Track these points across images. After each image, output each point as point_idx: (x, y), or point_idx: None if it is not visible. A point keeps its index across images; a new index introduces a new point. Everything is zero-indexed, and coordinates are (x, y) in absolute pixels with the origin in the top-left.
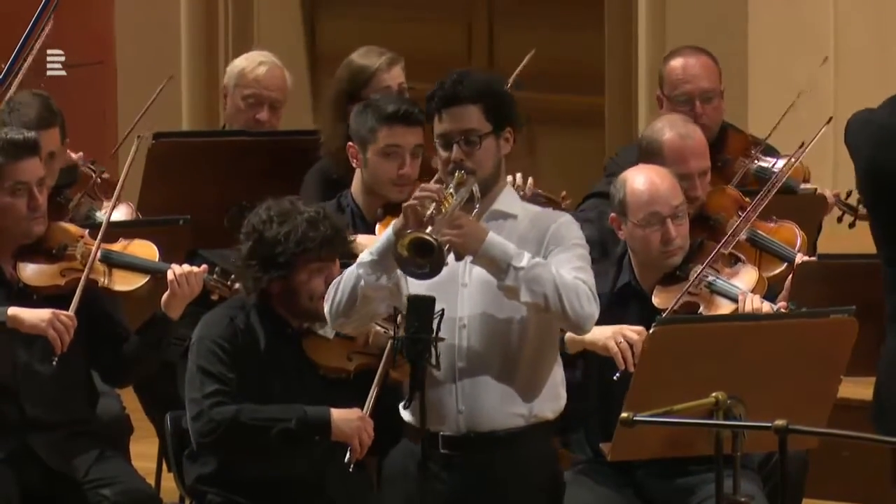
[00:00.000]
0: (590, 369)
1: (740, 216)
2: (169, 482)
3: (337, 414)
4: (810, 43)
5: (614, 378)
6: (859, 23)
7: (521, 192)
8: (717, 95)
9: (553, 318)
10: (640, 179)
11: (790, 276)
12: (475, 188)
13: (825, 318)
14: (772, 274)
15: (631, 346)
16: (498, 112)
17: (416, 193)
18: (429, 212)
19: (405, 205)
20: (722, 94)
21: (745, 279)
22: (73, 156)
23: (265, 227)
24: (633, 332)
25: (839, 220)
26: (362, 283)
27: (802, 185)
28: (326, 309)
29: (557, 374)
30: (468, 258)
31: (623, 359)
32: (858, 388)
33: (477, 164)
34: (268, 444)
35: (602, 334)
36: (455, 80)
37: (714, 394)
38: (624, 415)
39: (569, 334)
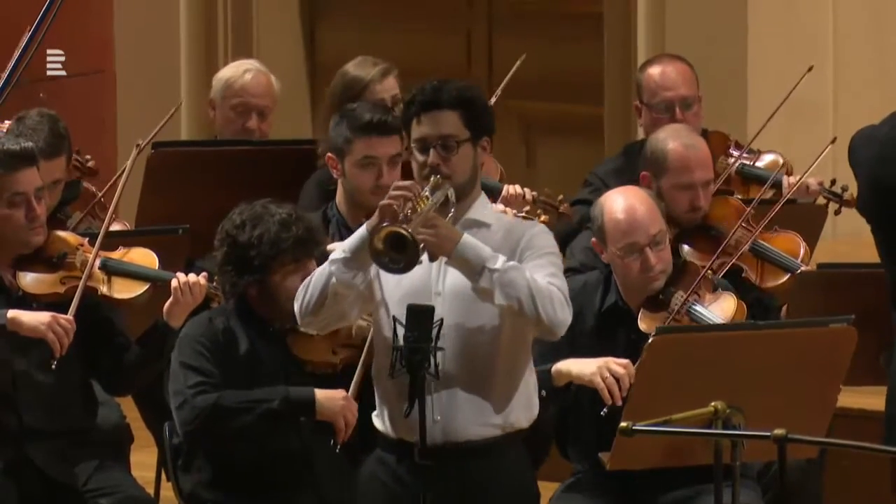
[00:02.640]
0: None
1: (742, 226)
2: (168, 491)
3: (321, 393)
4: (809, 52)
5: (602, 413)
6: (858, 31)
7: (524, 200)
8: (696, 102)
9: (526, 322)
10: (617, 207)
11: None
12: (451, 193)
13: (824, 328)
14: (774, 284)
15: (617, 380)
16: (476, 120)
17: (391, 192)
18: (404, 210)
19: (381, 203)
20: (700, 101)
21: (723, 307)
22: (91, 188)
23: (238, 232)
24: (619, 365)
25: (825, 208)
26: (334, 279)
27: (785, 178)
28: (296, 307)
29: (530, 383)
30: (443, 264)
31: (610, 394)
32: (858, 398)
33: (453, 169)
34: (252, 425)
35: (587, 369)
36: (435, 86)
37: (713, 403)
38: (623, 424)
39: (555, 367)
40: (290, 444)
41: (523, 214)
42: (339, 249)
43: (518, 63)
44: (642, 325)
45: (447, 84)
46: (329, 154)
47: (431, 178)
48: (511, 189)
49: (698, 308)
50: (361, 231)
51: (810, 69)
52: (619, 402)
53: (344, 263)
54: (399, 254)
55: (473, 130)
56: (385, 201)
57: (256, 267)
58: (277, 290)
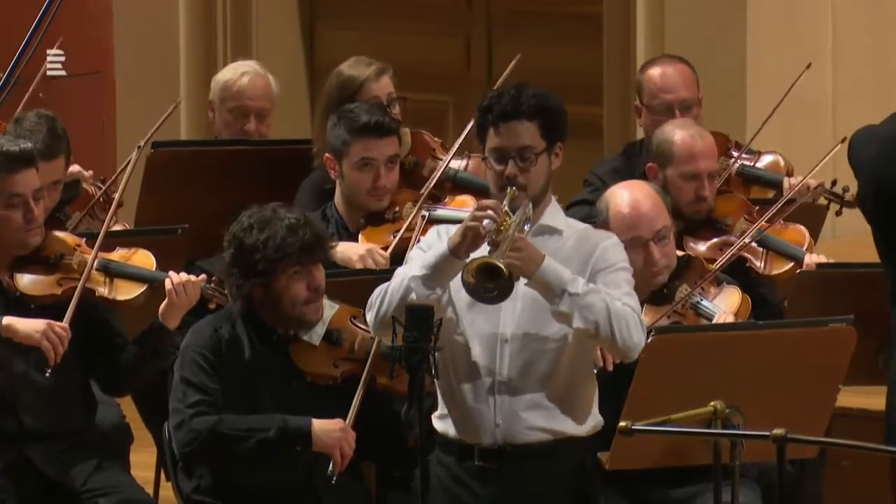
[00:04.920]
0: None
1: (746, 220)
2: (167, 491)
3: (318, 424)
4: (809, 53)
5: (593, 372)
6: (858, 34)
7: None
8: (695, 104)
9: (601, 344)
10: (623, 201)
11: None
12: (529, 209)
13: (823, 327)
14: (780, 272)
15: None
16: (553, 129)
17: (476, 213)
18: (488, 231)
19: (465, 224)
20: (700, 102)
21: (728, 301)
22: (85, 173)
23: (245, 235)
24: None
25: (826, 207)
26: (413, 296)
27: (786, 179)
28: (370, 317)
29: (592, 393)
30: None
31: (603, 357)
32: (857, 398)
33: (530, 180)
34: (248, 453)
35: None
36: (514, 96)
37: (712, 403)
38: (622, 424)
39: None
40: (288, 477)
41: None
42: (417, 266)
43: (514, 62)
44: (645, 319)
45: (524, 92)
46: (327, 155)
47: (509, 190)
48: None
49: (702, 301)
50: (442, 249)
51: (809, 66)
52: (610, 367)
53: (423, 281)
54: (493, 283)
55: (549, 139)
56: (469, 223)
57: (261, 271)
58: (281, 294)
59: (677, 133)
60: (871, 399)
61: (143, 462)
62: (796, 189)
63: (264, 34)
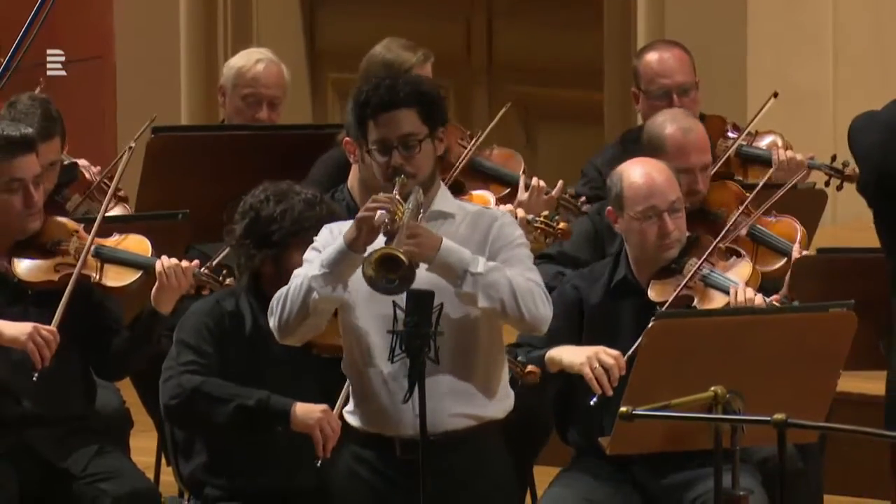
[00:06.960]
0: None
1: (741, 211)
2: (168, 476)
3: (300, 406)
4: (810, 44)
5: (591, 403)
6: (859, 25)
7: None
8: (693, 88)
9: (509, 321)
10: (637, 173)
11: (789, 271)
12: (420, 195)
13: (824, 313)
14: (770, 269)
15: (607, 370)
16: (432, 114)
17: (368, 204)
18: (381, 222)
19: (359, 216)
20: (697, 86)
21: (739, 272)
22: (93, 169)
23: (262, 206)
24: (609, 356)
25: (826, 184)
26: (315, 296)
27: (774, 151)
28: (273, 323)
29: (505, 375)
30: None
31: (600, 384)
32: (858, 383)
33: (416, 168)
34: (227, 419)
35: (578, 358)
36: (389, 85)
37: (713, 388)
38: (623, 409)
39: (548, 354)
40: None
41: (541, 220)
42: (315, 265)
43: (503, 111)
44: (652, 294)
45: (400, 81)
46: (347, 139)
47: (397, 180)
48: (534, 181)
49: (712, 273)
50: (339, 245)
51: (775, 95)
52: (609, 393)
53: (324, 279)
54: (394, 273)
55: (431, 125)
56: (363, 214)
57: (275, 242)
58: (292, 270)
59: (668, 127)
60: (871, 384)
61: (143, 447)
62: (774, 169)
63: (265, 19)
